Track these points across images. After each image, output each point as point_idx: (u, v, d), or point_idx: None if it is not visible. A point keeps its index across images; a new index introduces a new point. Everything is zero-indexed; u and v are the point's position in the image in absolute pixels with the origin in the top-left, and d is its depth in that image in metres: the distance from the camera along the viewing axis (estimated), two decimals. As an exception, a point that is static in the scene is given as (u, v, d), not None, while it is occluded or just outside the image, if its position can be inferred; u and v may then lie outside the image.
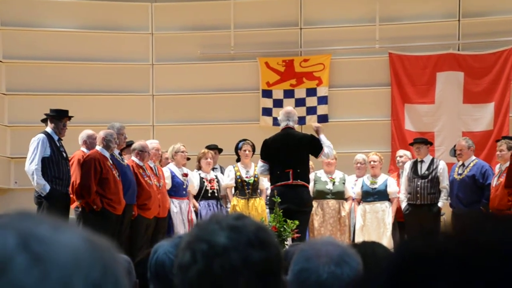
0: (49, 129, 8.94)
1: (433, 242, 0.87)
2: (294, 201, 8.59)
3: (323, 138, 9.17)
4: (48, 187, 8.60)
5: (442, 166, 10.49)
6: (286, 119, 9.03)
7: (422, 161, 10.53)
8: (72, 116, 9.23)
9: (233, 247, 1.53)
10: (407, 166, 10.63)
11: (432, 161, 10.55)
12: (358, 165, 11.10)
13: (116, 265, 0.84)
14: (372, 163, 10.78)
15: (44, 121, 9.27)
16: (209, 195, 10.46)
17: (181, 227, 9.89)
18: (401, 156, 10.97)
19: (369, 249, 2.44)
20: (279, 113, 9.41)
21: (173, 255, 2.55)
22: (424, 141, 10.82)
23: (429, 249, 0.85)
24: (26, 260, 0.77)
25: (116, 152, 9.33)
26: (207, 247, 1.54)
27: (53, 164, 8.74)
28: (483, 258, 0.81)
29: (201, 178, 10.48)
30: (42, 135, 8.82)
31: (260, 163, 9.15)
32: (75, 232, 0.83)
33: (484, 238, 0.83)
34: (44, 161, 8.70)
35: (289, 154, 8.77)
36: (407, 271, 0.84)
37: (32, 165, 8.66)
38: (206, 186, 10.46)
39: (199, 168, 10.64)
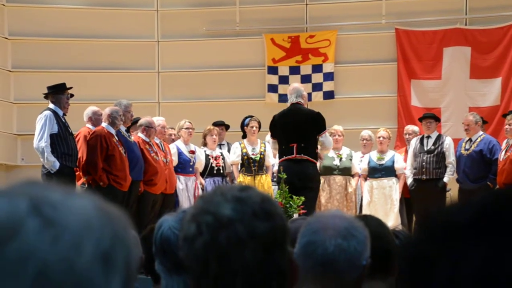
0: (52, 105, 8.93)
1: None
2: (299, 176, 8.59)
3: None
4: (57, 164, 8.60)
5: (448, 141, 10.48)
6: (293, 95, 9.05)
7: (429, 137, 10.53)
8: (73, 95, 9.19)
9: (239, 218, 1.53)
10: (413, 141, 10.63)
11: (438, 137, 10.56)
12: (364, 141, 11.09)
13: (126, 233, 0.85)
14: (381, 138, 10.76)
15: (47, 98, 9.24)
16: (215, 172, 10.47)
17: (186, 204, 9.92)
18: (410, 134, 10.94)
19: (362, 222, 2.45)
20: (287, 90, 9.41)
21: (178, 230, 2.56)
22: (434, 116, 10.82)
23: None
24: (37, 224, 0.78)
25: (123, 128, 9.34)
26: (212, 219, 1.54)
27: (62, 140, 8.73)
28: None
29: (207, 155, 10.48)
30: (48, 112, 8.80)
31: (271, 139, 9.24)
32: (87, 198, 0.84)
33: None
34: (53, 138, 8.69)
35: (294, 128, 8.78)
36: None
37: (41, 142, 8.63)
38: (211, 163, 10.46)
39: (205, 145, 10.64)
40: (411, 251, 0.88)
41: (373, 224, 2.57)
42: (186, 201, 10.03)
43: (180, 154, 10.23)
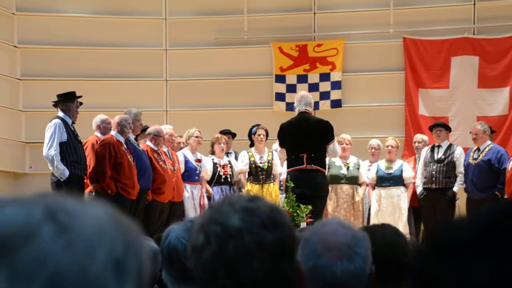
0: (61, 113, 8.95)
1: None
2: (308, 186, 8.59)
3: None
4: (67, 172, 8.62)
5: (459, 151, 10.45)
6: (300, 103, 9.02)
7: (439, 146, 10.51)
8: (82, 103, 9.22)
9: (247, 229, 1.54)
10: (424, 151, 10.60)
11: (449, 146, 10.53)
12: (373, 150, 11.07)
13: (139, 243, 0.87)
14: (389, 147, 10.74)
15: (56, 106, 9.26)
16: (222, 180, 10.47)
17: (192, 212, 9.92)
18: (419, 142, 10.92)
19: (379, 231, 2.43)
20: (294, 98, 9.40)
21: (185, 239, 2.55)
22: (445, 125, 10.81)
23: None
24: (52, 229, 0.80)
25: (132, 137, 9.36)
26: (220, 229, 1.55)
27: (71, 148, 8.76)
28: None
29: (214, 164, 10.49)
30: (57, 120, 8.82)
31: (278, 147, 9.24)
32: (101, 207, 0.86)
33: None
34: (62, 146, 8.72)
35: (304, 138, 8.76)
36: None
37: (51, 150, 8.65)
38: (219, 172, 10.47)
39: (213, 153, 10.64)
40: (419, 265, 0.89)
41: (390, 233, 2.54)
42: (192, 210, 10.04)
43: (186, 162, 10.24)
